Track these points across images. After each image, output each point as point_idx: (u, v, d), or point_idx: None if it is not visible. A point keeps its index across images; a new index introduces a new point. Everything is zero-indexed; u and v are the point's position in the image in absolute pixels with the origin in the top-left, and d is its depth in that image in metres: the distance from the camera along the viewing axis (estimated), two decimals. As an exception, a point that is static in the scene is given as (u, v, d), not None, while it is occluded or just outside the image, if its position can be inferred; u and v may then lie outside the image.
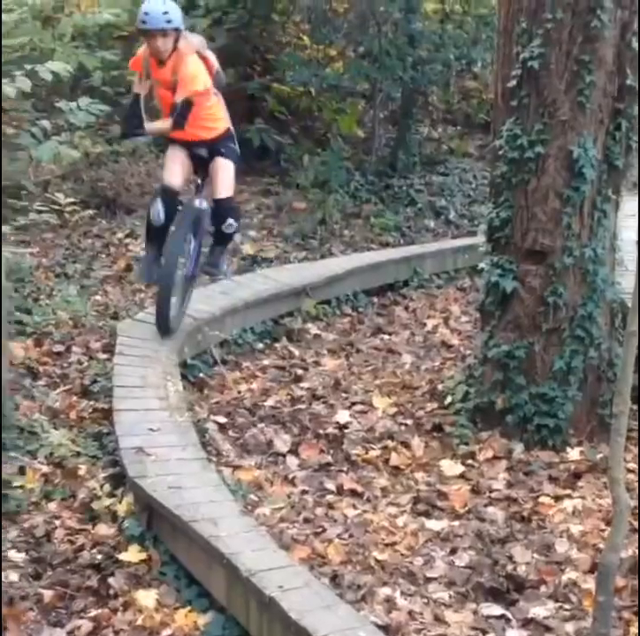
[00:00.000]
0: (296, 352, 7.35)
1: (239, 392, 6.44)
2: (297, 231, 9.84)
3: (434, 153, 12.79)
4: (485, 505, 5.00)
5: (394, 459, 5.53)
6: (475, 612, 4.04)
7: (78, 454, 5.30)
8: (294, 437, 5.79)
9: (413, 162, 11.83)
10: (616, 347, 5.79)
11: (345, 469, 5.44)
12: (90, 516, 4.85)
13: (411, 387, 6.58)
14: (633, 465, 5.20)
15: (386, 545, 4.58)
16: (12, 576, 4.33)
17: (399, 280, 9.24)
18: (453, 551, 4.54)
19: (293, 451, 5.63)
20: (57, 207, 8.26)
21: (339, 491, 5.16)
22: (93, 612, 4.14)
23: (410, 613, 3.99)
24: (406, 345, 7.68)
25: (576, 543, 4.59)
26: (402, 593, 4.14)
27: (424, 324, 8.26)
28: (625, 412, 3.34)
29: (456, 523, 4.81)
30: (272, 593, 3.66)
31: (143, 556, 4.48)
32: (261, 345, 7.43)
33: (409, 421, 6.02)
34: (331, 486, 5.21)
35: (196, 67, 6.24)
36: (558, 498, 5.05)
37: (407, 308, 8.77)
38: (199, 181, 6.65)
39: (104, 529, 4.71)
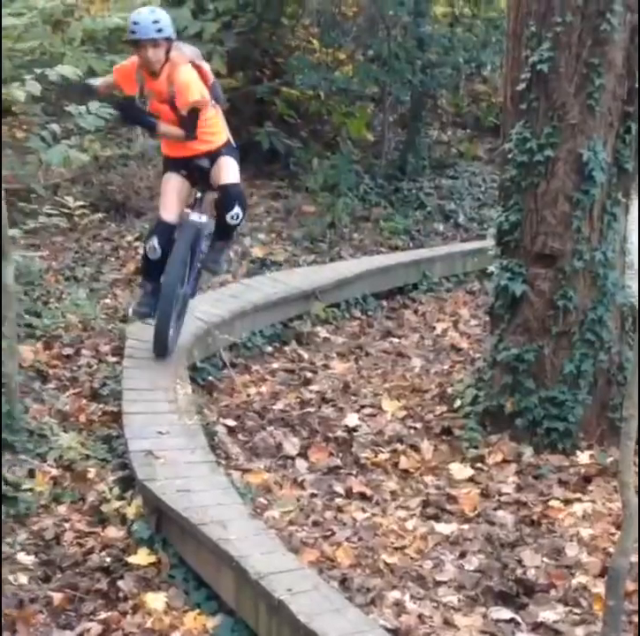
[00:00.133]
0: (305, 356, 7.35)
1: (248, 395, 6.44)
2: (306, 235, 9.84)
3: (443, 156, 12.79)
4: (495, 509, 4.99)
5: (403, 463, 5.52)
6: (484, 616, 4.03)
7: (87, 457, 5.31)
8: (303, 440, 5.79)
9: (422, 166, 11.84)
10: (626, 351, 5.78)
11: (354, 472, 5.44)
12: (99, 519, 4.85)
13: (420, 390, 6.57)
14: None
15: (395, 548, 4.57)
16: (22, 578, 4.33)
17: (408, 283, 9.24)
18: (463, 555, 4.53)
19: (303, 454, 5.63)
20: (66, 210, 8.27)
21: (348, 494, 5.16)
22: (102, 615, 4.14)
23: (420, 617, 3.98)
24: (415, 349, 7.68)
25: (586, 547, 4.57)
26: (412, 596, 4.14)
27: (434, 328, 8.26)
28: (635, 416, 3.33)
29: (466, 526, 4.80)
30: (281, 596, 3.66)
31: (152, 558, 4.48)
32: (270, 349, 7.44)
33: (418, 425, 6.02)
34: (340, 489, 5.21)
35: (189, 76, 5.93)
36: (568, 502, 5.03)
37: (416, 312, 8.76)
38: (198, 195, 6.29)
39: (113, 532, 4.72)
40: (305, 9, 12.10)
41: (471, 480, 5.32)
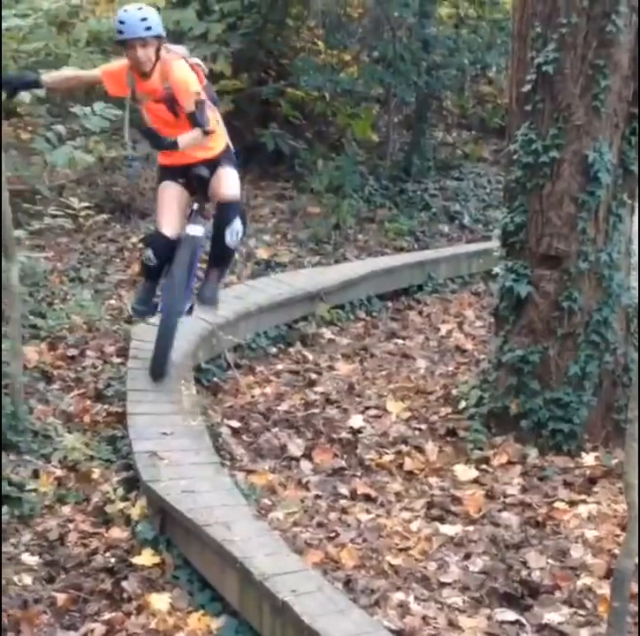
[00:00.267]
0: (310, 357, 7.35)
1: (252, 396, 6.44)
2: (311, 236, 9.84)
3: (448, 157, 12.79)
4: (500, 510, 4.98)
5: (408, 464, 5.52)
6: (489, 617, 4.02)
7: (91, 458, 5.31)
8: (308, 442, 5.78)
9: (427, 167, 11.84)
10: (631, 352, 5.77)
11: (358, 474, 5.43)
12: (104, 519, 4.85)
13: (425, 392, 6.57)
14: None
15: (400, 550, 4.56)
16: (26, 579, 4.33)
17: (413, 285, 9.24)
18: (468, 556, 4.52)
19: (307, 456, 5.62)
20: (71, 211, 8.29)
21: (353, 496, 5.16)
22: (106, 615, 4.14)
23: (424, 618, 3.97)
24: (420, 350, 7.67)
25: (591, 549, 4.56)
26: (416, 598, 4.13)
27: (438, 329, 8.25)
28: (640, 417, 3.32)
29: (470, 528, 4.79)
30: (285, 597, 3.66)
31: (156, 559, 4.48)
32: (275, 350, 7.44)
33: (423, 426, 6.01)
34: (344, 490, 5.20)
35: (186, 70, 5.65)
36: (573, 503, 5.03)
37: (421, 313, 8.76)
38: (194, 207, 5.99)
39: (118, 533, 4.72)
40: (310, 10, 12.10)
41: (476, 481, 5.31)
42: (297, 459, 5.58)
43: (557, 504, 5.02)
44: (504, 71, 12.05)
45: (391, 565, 4.40)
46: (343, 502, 5.08)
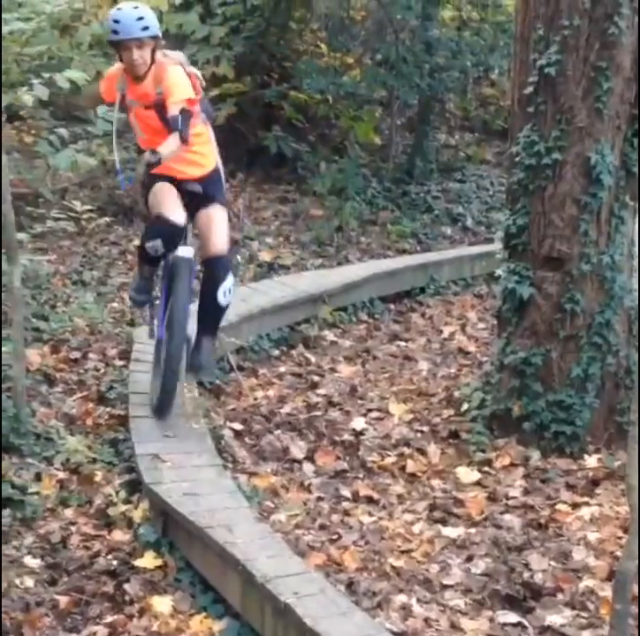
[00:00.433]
0: (312, 359, 7.35)
1: (255, 399, 6.44)
2: (314, 239, 9.85)
3: (451, 160, 12.80)
4: (502, 513, 4.97)
5: (410, 466, 5.51)
6: (491, 620, 4.02)
7: (94, 460, 5.31)
8: (310, 444, 5.79)
9: (430, 169, 11.84)
10: (634, 354, 5.77)
11: (361, 476, 5.43)
12: (106, 522, 4.85)
13: (427, 394, 6.57)
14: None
15: (402, 552, 4.56)
16: (28, 582, 4.33)
17: (415, 287, 9.24)
18: (470, 558, 4.51)
19: (309, 458, 5.62)
20: (74, 214, 8.30)
21: (355, 498, 5.15)
22: (108, 618, 4.14)
23: (426, 620, 3.97)
24: (422, 352, 7.67)
25: (594, 551, 4.56)
26: (418, 600, 4.13)
27: (441, 331, 8.25)
28: (643, 419, 3.32)
29: (473, 530, 4.78)
30: (288, 599, 3.65)
31: (159, 562, 4.48)
32: (277, 352, 7.44)
33: (425, 428, 6.01)
34: (346, 493, 5.20)
35: (180, 75, 5.24)
36: (575, 506, 5.02)
37: (423, 315, 8.76)
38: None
39: (120, 535, 4.72)
40: (313, 13, 12.12)
41: (478, 483, 5.31)
42: (299, 462, 5.58)
43: (559, 506, 5.01)
44: (506, 73, 12.06)
45: (393, 568, 4.39)
46: (345, 504, 5.08)
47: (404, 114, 12.75)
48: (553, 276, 5.66)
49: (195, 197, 5.49)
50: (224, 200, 5.66)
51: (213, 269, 5.45)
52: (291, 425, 6.04)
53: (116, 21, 5.09)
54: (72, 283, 7.90)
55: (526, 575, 4.33)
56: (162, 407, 5.41)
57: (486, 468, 5.46)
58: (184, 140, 5.18)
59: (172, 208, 5.34)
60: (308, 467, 5.51)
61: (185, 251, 5.40)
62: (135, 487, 5.00)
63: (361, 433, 5.92)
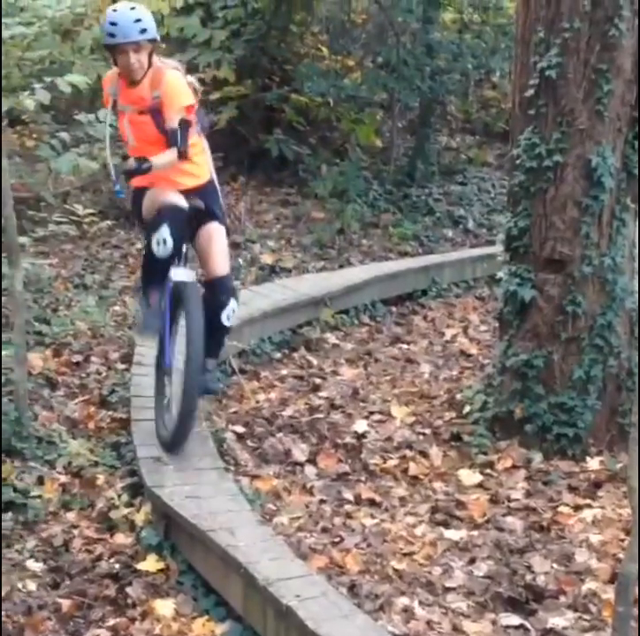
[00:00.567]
0: (314, 362, 7.35)
1: (257, 402, 6.44)
2: (315, 241, 9.85)
3: (452, 162, 12.80)
4: (504, 515, 4.97)
5: (412, 469, 5.51)
6: (493, 622, 4.02)
7: (96, 464, 5.32)
8: (312, 447, 5.78)
9: (431, 172, 11.84)
10: (635, 356, 5.76)
11: (363, 479, 5.43)
12: (108, 525, 4.86)
13: (429, 396, 6.57)
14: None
15: (404, 555, 4.56)
16: (31, 585, 4.34)
17: (417, 289, 9.24)
18: (472, 561, 4.51)
19: (311, 461, 5.62)
20: (75, 218, 8.31)
21: (357, 501, 5.15)
22: (111, 621, 4.14)
23: (428, 623, 3.96)
24: (424, 355, 7.67)
25: (596, 553, 4.55)
26: (420, 602, 4.12)
27: (443, 333, 8.25)
28: (644, 421, 3.32)
29: (475, 533, 4.78)
30: (290, 602, 3.65)
31: (161, 565, 4.49)
32: (279, 355, 7.44)
33: (427, 431, 6.01)
34: (348, 495, 5.20)
35: (180, 81, 5.04)
36: (577, 508, 5.02)
37: (425, 318, 8.76)
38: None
39: (122, 538, 4.72)
40: (314, 16, 12.14)
41: (480, 486, 5.31)
42: (301, 464, 5.58)
43: (561, 509, 5.01)
44: (507, 75, 12.05)
45: (395, 570, 4.39)
46: (347, 507, 5.08)
47: (405, 117, 12.75)
48: (555, 278, 5.66)
49: (197, 213, 5.22)
50: (223, 214, 5.42)
51: (216, 293, 5.24)
52: (293, 428, 6.04)
53: (113, 23, 4.85)
54: (73, 286, 7.91)
55: (528, 577, 4.33)
56: (175, 442, 5.05)
57: (488, 470, 5.46)
58: (183, 156, 4.98)
59: (172, 194, 5.05)
60: (310, 470, 5.51)
61: (187, 275, 5.14)
62: (137, 490, 5.01)
63: (363, 435, 5.92)
